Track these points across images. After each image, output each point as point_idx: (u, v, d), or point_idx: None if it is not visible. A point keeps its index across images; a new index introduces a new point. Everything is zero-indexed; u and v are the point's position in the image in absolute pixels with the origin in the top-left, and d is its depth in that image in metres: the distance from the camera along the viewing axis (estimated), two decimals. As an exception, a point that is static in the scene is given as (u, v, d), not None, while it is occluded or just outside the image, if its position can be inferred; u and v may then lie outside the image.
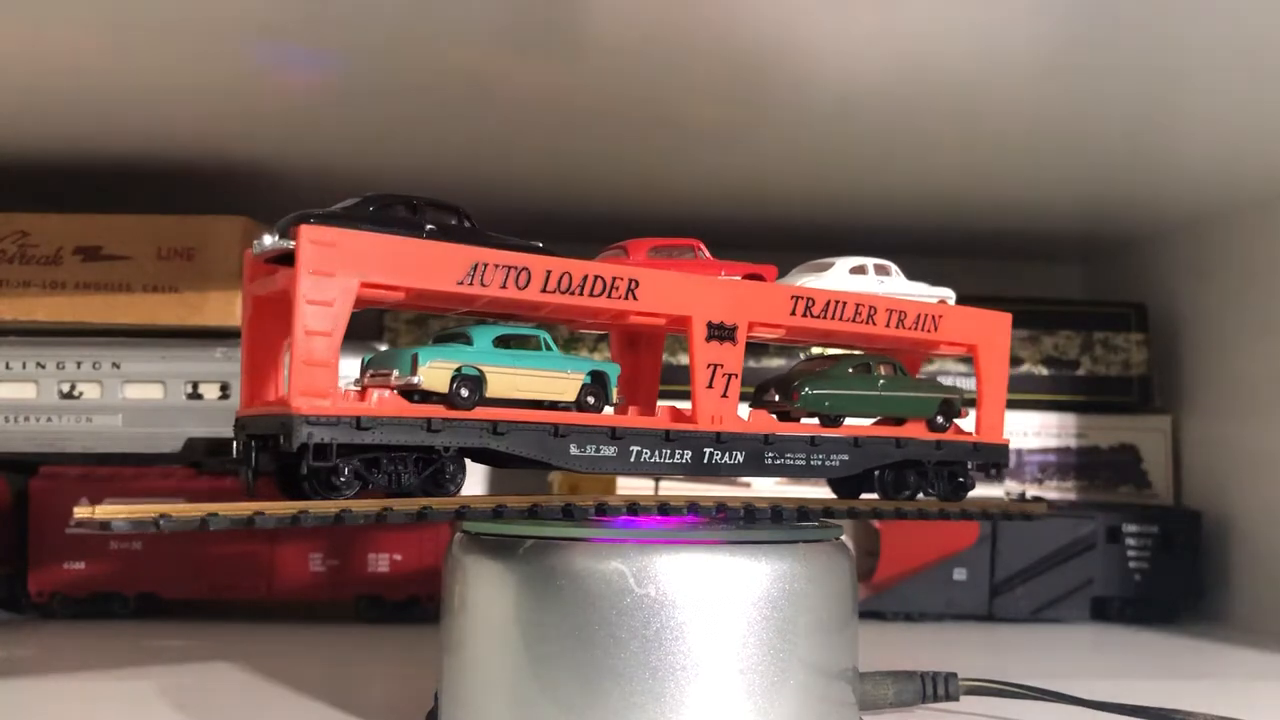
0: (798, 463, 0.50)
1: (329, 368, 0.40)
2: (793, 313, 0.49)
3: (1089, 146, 0.69)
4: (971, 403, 0.55)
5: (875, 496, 0.54)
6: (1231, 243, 0.84)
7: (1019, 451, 0.88)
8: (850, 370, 0.53)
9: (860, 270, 0.53)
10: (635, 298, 0.45)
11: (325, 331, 0.40)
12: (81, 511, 0.37)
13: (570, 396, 0.46)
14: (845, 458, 0.51)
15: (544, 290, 0.44)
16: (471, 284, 0.42)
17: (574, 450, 0.45)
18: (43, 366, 0.72)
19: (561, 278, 0.44)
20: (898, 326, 0.52)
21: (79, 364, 0.72)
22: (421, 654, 0.62)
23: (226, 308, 0.72)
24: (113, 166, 0.74)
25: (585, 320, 0.47)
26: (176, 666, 0.58)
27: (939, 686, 0.49)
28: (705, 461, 0.47)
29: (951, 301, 0.55)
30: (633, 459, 0.46)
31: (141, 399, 0.72)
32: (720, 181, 0.77)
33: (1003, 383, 0.55)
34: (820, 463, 0.50)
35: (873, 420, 0.53)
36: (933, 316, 0.53)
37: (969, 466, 0.54)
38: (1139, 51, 0.54)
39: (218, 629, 0.70)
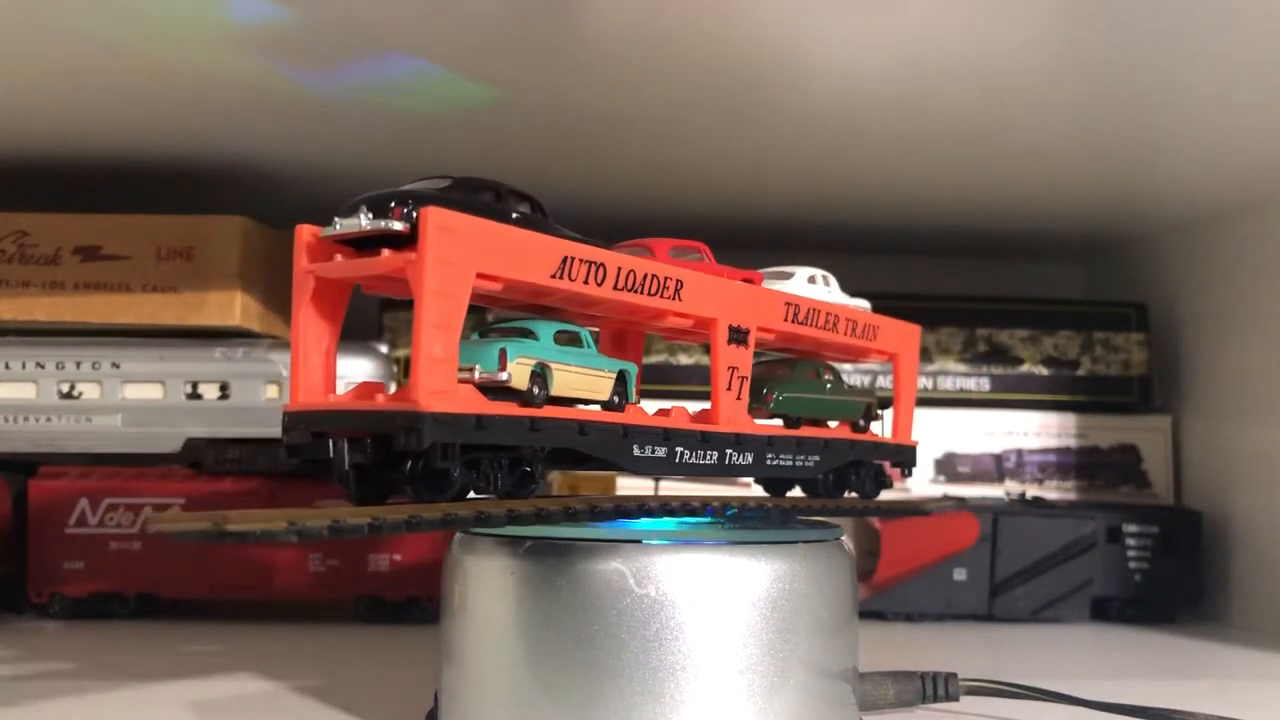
0: (788, 463, 0.51)
1: (451, 364, 0.38)
2: (785, 318, 0.50)
3: (1089, 147, 0.69)
4: (886, 404, 0.58)
5: (799, 494, 0.55)
6: (1232, 243, 0.84)
7: (1019, 451, 0.88)
8: (807, 375, 0.54)
9: (813, 280, 0.54)
10: (680, 298, 0.45)
11: (449, 325, 0.38)
12: (193, 522, 0.34)
13: (605, 395, 0.45)
14: (819, 458, 0.53)
15: (615, 287, 0.43)
16: (561, 278, 0.41)
17: (635, 451, 0.44)
18: (42, 366, 0.72)
19: (629, 275, 0.43)
20: (850, 334, 0.54)
21: (78, 364, 0.72)
22: (421, 654, 0.62)
23: (226, 307, 0.72)
24: (112, 166, 0.74)
25: (624, 318, 0.46)
26: (176, 667, 0.58)
27: (939, 687, 0.49)
28: (725, 462, 0.48)
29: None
30: (676, 460, 0.46)
31: (141, 399, 0.72)
32: (720, 182, 0.77)
33: (914, 388, 0.59)
34: (802, 463, 0.52)
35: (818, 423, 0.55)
36: (872, 326, 0.56)
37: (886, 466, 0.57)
38: (1139, 52, 0.53)
39: (218, 629, 0.70)
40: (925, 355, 0.88)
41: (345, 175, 0.77)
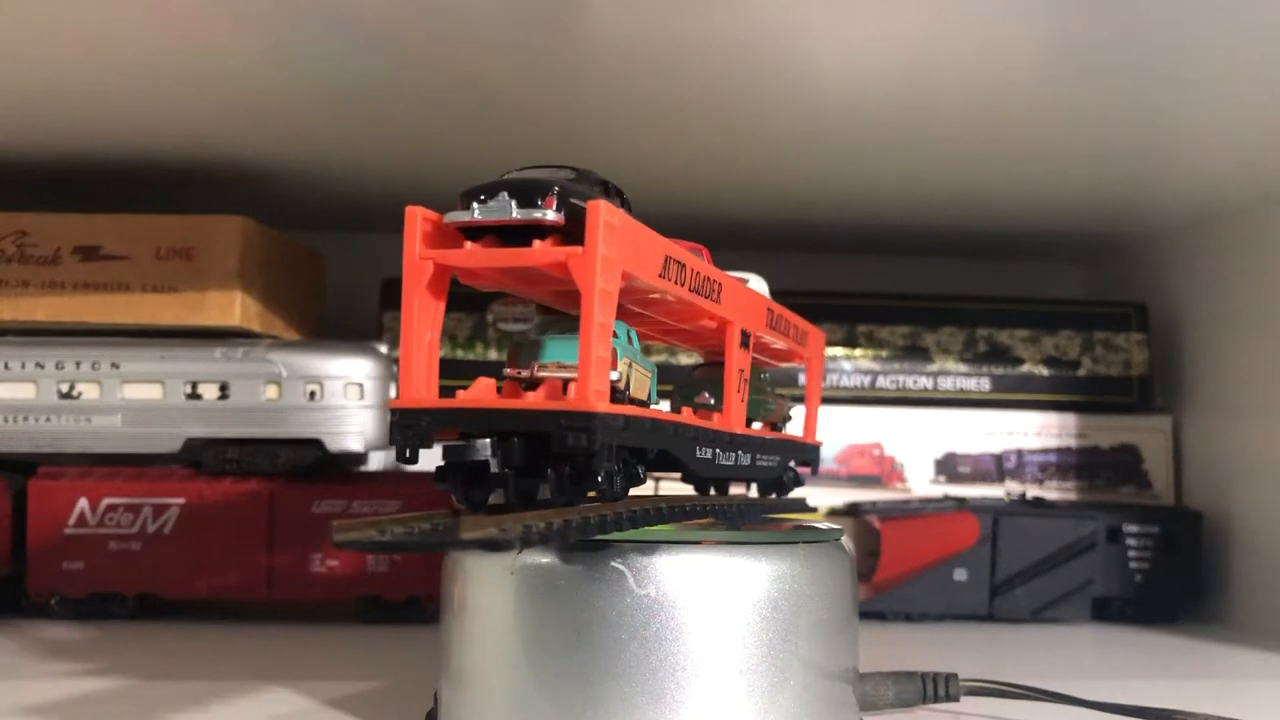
0: (763, 463, 0.52)
1: (609, 365, 0.37)
2: (767, 323, 0.50)
3: (1090, 147, 0.69)
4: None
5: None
6: (1233, 242, 0.83)
7: (1020, 452, 0.88)
8: (758, 376, 0.55)
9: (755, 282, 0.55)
10: (719, 300, 0.45)
11: (609, 324, 0.36)
12: (479, 530, 0.33)
13: (646, 396, 0.44)
14: (778, 459, 0.53)
15: (689, 288, 0.42)
16: (664, 277, 0.40)
17: (699, 453, 0.44)
18: (42, 366, 0.72)
19: (694, 276, 0.42)
20: (793, 338, 0.55)
21: (78, 364, 0.72)
22: (421, 654, 0.62)
23: (226, 307, 0.72)
24: (112, 166, 0.74)
25: (670, 319, 0.46)
26: (176, 667, 0.58)
27: (939, 687, 0.49)
28: (746, 463, 0.49)
29: None
30: (718, 461, 0.46)
31: (140, 399, 0.72)
32: (718, 181, 0.77)
33: (820, 390, 0.59)
34: (769, 463, 0.52)
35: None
36: (805, 331, 0.56)
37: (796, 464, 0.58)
38: (1139, 52, 0.53)
39: (218, 629, 0.70)
40: (926, 355, 0.88)
41: (345, 175, 0.78)
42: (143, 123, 0.66)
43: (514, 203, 0.36)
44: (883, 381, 0.87)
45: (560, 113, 0.63)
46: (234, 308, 0.72)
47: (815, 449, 0.59)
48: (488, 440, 0.38)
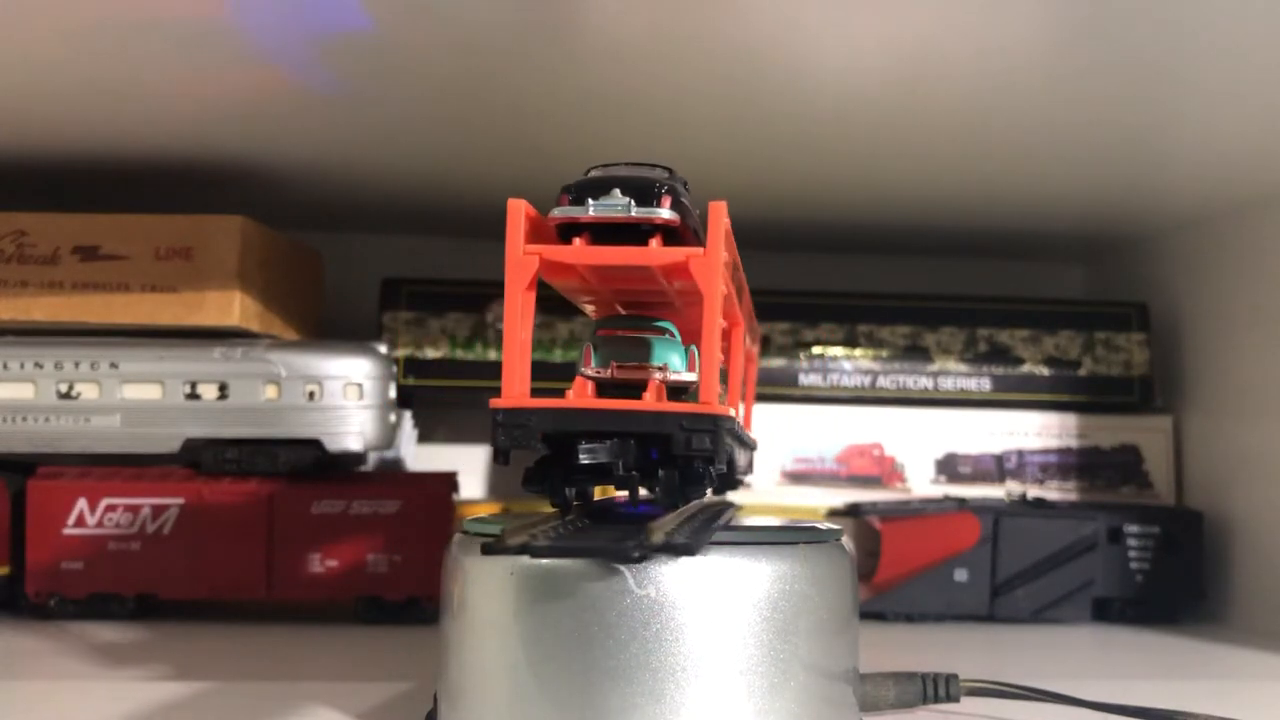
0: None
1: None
2: (746, 326, 0.50)
3: (1090, 147, 0.69)
4: None
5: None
6: (1233, 242, 0.83)
7: (1020, 452, 0.88)
8: None
9: None
10: (742, 301, 0.45)
11: (721, 327, 0.36)
12: (664, 535, 0.33)
13: None
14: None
15: (735, 287, 0.41)
16: (735, 280, 0.39)
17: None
18: (40, 366, 0.72)
19: (739, 276, 0.42)
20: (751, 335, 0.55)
21: (77, 364, 0.72)
22: (421, 654, 0.62)
23: (225, 307, 0.71)
24: (111, 166, 0.74)
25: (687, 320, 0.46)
26: (176, 667, 0.58)
27: (940, 687, 0.49)
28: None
29: None
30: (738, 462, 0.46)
31: (140, 399, 0.72)
32: (717, 181, 0.77)
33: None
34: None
35: None
36: (756, 328, 0.56)
37: None
38: (1140, 52, 0.53)
39: (217, 629, 0.70)
40: (926, 355, 0.88)
41: (345, 175, 0.77)
42: (141, 122, 0.66)
43: (631, 200, 0.36)
44: (883, 381, 0.87)
45: (559, 113, 0.63)
46: (233, 307, 0.72)
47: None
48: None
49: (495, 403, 0.36)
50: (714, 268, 0.35)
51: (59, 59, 0.56)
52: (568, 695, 0.40)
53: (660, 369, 0.38)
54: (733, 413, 0.41)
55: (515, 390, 0.37)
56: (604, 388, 0.38)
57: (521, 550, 0.33)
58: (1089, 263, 1.04)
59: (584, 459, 0.37)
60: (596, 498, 0.44)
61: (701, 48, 0.54)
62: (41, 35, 0.53)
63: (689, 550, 0.34)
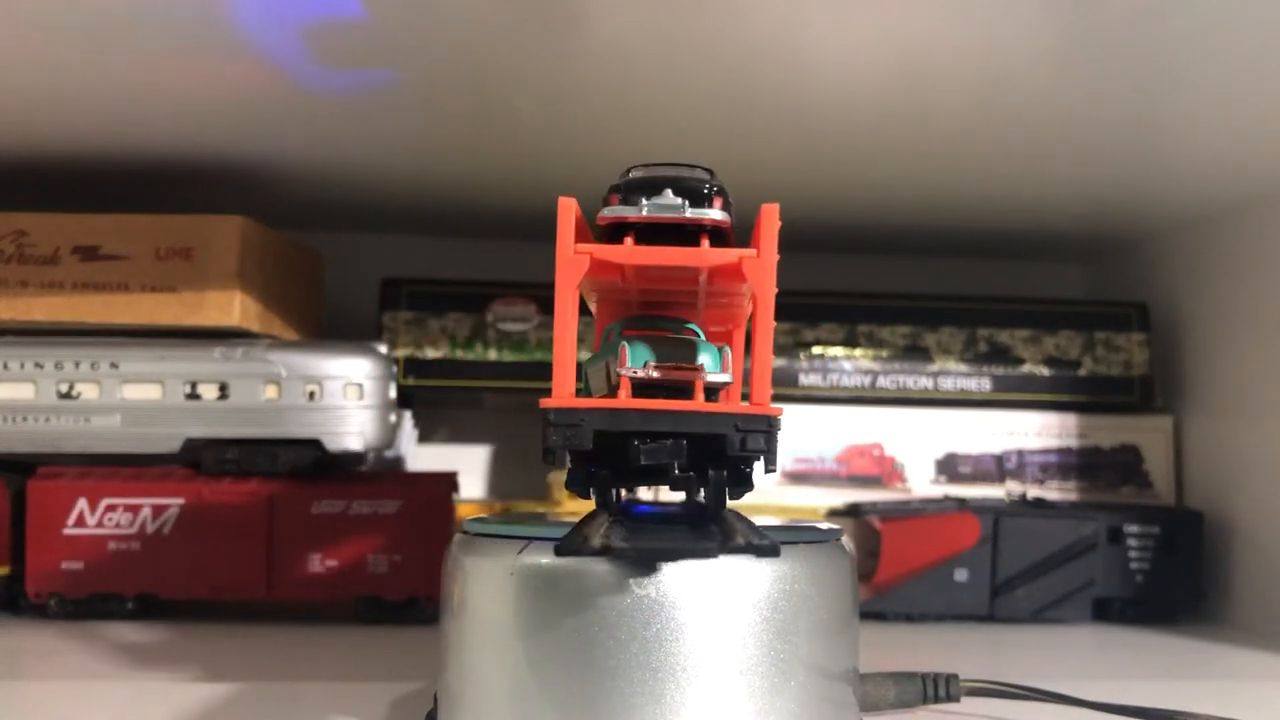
0: None
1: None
2: None
3: (1090, 147, 0.69)
4: None
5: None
6: (1234, 242, 0.83)
7: (1020, 452, 0.88)
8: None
9: None
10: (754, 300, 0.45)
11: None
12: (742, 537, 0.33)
13: None
14: None
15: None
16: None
17: None
18: (40, 366, 0.72)
19: None
20: None
21: (77, 364, 0.72)
22: (421, 654, 0.62)
23: (225, 307, 0.71)
24: (111, 166, 0.74)
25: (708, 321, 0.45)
26: (176, 667, 0.58)
27: (940, 687, 0.49)
28: None
29: None
30: None
31: (140, 399, 0.72)
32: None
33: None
34: None
35: None
36: None
37: None
38: (1140, 52, 0.53)
39: (217, 629, 0.70)
40: (926, 355, 0.88)
41: (345, 175, 0.77)
42: (143, 122, 0.66)
43: (685, 201, 0.36)
44: (883, 381, 0.87)
45: (559, 113, 0.63)
46: (233, 308, 0.72)
47: None
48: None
49: (546, 402, 0.36)
50: (768, 268, 0.35)
51: (59, 59, 0.56)
52: (568, 695, 0.39)
53: (695, 369, 0.38)
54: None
55: (566, 390, 0.37)
56: (641, 387, 0.38)
57: (604, 551, 0.33)
58: (1089, 263, 1.04)
59: (645, 460, 0.36)
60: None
61: (701, 47, 0.54)
62: (42, 35, 0.53)
63: (773, 551, 0.34)
